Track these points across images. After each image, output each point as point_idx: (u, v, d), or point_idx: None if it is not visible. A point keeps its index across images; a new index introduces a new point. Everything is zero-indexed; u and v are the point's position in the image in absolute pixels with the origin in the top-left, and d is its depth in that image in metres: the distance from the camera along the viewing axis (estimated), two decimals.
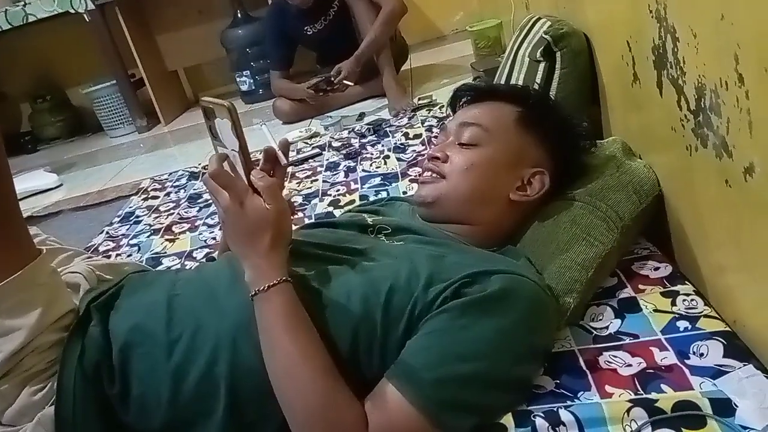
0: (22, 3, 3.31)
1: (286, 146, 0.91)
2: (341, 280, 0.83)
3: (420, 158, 1.90)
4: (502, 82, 1.59)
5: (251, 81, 3.54)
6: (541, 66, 1.46)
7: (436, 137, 2.05)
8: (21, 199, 2.44)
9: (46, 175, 2.88)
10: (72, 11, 3.29)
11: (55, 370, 0.80)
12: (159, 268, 1.56)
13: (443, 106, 2.38)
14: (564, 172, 1.02)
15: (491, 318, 0.77)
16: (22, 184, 2.76)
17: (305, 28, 2.82)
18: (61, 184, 2.84)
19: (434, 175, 0.99)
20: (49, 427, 0.78)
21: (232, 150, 0.80)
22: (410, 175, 1.78)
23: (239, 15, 3.46)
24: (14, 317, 0.78)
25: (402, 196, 1.52)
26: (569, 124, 1.04)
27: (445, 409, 0.74)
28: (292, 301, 0.78)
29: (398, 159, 1.95)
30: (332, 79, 2.64)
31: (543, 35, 1.45)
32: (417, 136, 2.13)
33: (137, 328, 0.83)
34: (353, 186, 1.83)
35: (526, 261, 0.93)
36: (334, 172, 1.99)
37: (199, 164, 2.47)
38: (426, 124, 2.23)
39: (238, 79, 3.57)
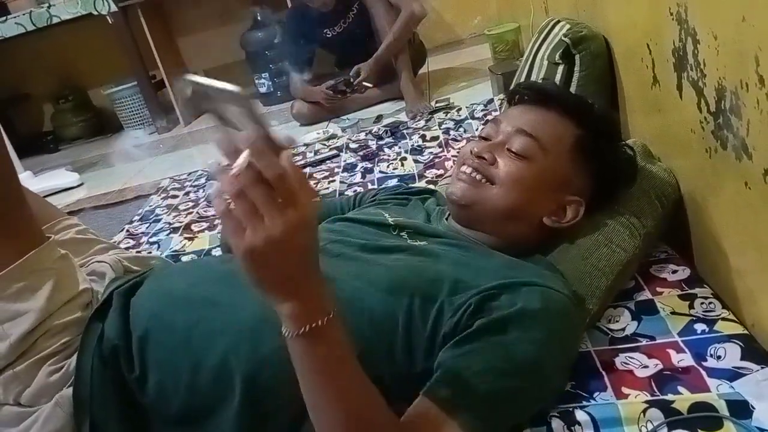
0: (47, 5, 3.36)
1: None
2: (364, 278, 0.82)
3: (437, 159, 1.91)
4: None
5: (270, 83, 3.56)
6: (560, 69, 1.46)
7: (455, 140, 2.06)
8: (43, 197, 2.50)
9: (67, 174, 2.92)
10: (95, 13, 3.34)
11: (71, 352, 0.82)
12: None
13: (460, 108, 2.39)
14: (599, 203, 0.98)
15: (529, 334, 0.75)
16: (43, 182, 2.81)
17: (325, 30, 2.84)
18: (81, 183, 2.88)
19: (479, 177, 0.93)
20: (67, 408, 0.80)
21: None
22: (427, 177, 1.79)
23: (259, 18, 3.49)
24: (21, 301, 0.80)
25: (429, 187, 1.34)
26: (621, 159, 0.99)
27: (489, 426, 0.72)
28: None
29: (415, 161, 1.95)
30: (351, 80, 2.65)
31: (562, 38, 1.45)
32: (434, 139, 2.13)
33: (157, 316, 0.84)
34: (370, 187, 1.84)
35: (549, 265, 0.92)
36: (351, 174, 2.00)
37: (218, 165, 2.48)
38: (443, 126, 2.24)
39: (256, 81, 3.60)
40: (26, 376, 0.80)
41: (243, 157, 0.57)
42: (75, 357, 0.82)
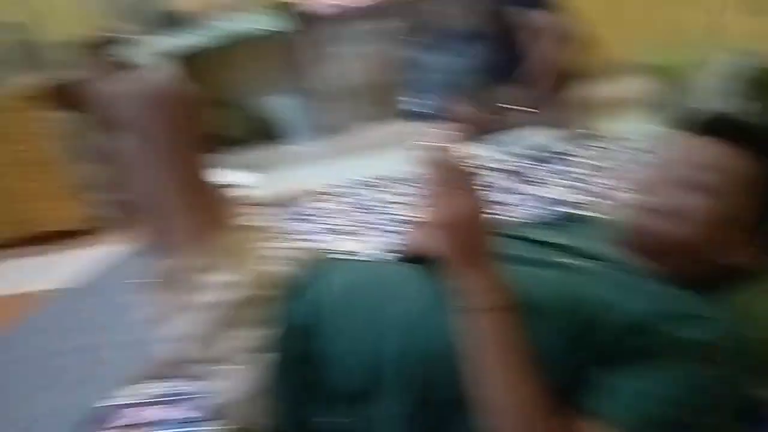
0: (232, 19, 3.76)
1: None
2: (517, 291, 0.81)
3: (588, 186, 1.91)
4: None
5: (421, 103, 3.70)
6: (735, 100, 1.42)
7: (610, 169, 2.05)
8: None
9: (244, 175, 3.16)
10: (267, 30, 3.70)
11: (263, 324, 0.94)
12: None
13: (614, 137, 2.35)
14: None
15: (692, 364, 0.75)
16: (221, 180, 3.11)
17: (471, 53, 2.91)
18: (256, 184, 3.15)
19: (655, 209, 0.90)
20: (254, 373, 0.92)
21: None
22: (577, 202, 1.80)
23: (413, 40, 3.64)
24: (221, 275, 0.94)
25: (582, 213, 1.35)
26: None
27: None
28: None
29: (565, 186, 1.97)
30: (500, 102, 2.70)
31: (736, 69, 1.41)
32: (582, 165, 2.13)
33: (340, 302, 0.92)
34: (514, 207, 1.88)
35: (719, 303, 0.86)
36: (498, 194, 2.04)
37: (372, 175, 2.63)
38: (593, 153, 2.23)
39: (407, 101, 3.75)
40: (222, 342, 0.94)
41: (437, 147, 0.76)
42: (265, 329, 0.94)
